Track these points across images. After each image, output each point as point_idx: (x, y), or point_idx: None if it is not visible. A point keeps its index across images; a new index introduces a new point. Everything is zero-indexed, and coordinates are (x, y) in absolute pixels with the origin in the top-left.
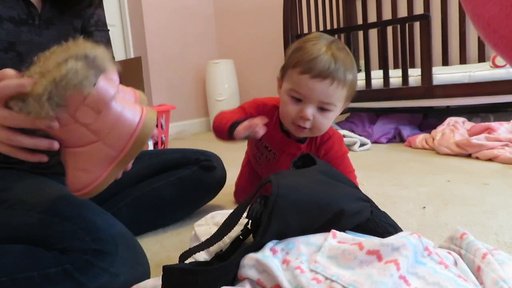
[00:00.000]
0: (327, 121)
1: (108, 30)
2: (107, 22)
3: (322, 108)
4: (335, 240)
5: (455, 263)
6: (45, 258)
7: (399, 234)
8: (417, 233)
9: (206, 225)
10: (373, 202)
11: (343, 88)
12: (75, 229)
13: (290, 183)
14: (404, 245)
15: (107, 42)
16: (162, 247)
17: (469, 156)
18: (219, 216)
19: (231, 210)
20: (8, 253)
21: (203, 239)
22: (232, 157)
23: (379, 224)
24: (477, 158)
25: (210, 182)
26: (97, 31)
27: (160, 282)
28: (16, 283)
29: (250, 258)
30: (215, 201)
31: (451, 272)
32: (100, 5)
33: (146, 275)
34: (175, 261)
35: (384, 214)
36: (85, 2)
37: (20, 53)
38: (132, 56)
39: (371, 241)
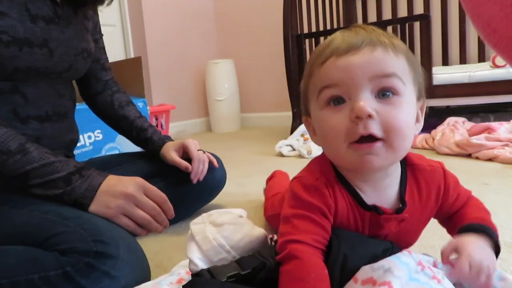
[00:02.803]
0: (402, 112)
1: (102, 35)
2: (108, 22)
3: (384, 92)
4: None
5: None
6: (45, 260)
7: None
8: (408, 250)
9: (202, 223)
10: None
11: (396, 54)
12: (77, 230)
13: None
14: (395, 265)
15: (104, 46)
16: (162, 247)
17: (469, 156)
18: (216, 214)
19: (228, 209)
20: (9, 255)
21: (197, 237)
22: (232, 157)
23: None
24: (477, 158)
25: (210, 182)
26: (100, 38)
27: (159, 285)
28: (16, 285)
29: None
30: (215, 201)
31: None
32: (96, 10)
33: (146, 279)
34: (175, 261)
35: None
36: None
37: (51, 49)
38: (132, 56)
39: (363, 271)
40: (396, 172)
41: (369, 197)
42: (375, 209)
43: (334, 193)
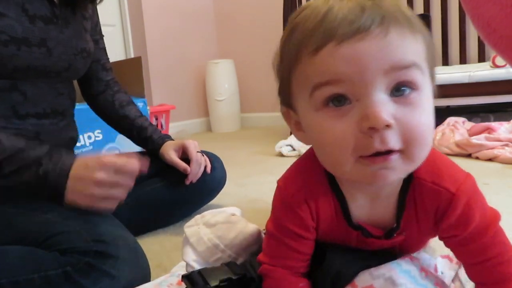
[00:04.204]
0: (424, 114)
1: (103, 36)
2: (108, 22)
3: (399, 88)
4: None
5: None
6: (45, 260)
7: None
8: (410, 256)
9: (196, 225)
10: None
11: (414, 34)
12: (77, 230)
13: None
14: (396, 273)
15: (105, 47)
16: (162, 247)
17: (469, 156)
18: (209, 215)
19: (221, 209)
20: (9, 254)
21: (192, 239)
22: (232, 157)
23: None
24: (477, 158)
25: (210, 182)
26: (101, 39)
27: (160, 286)
28: (16, 285)
29: None
30: (215, 201)
31: None
32: (95, 11)
33: (146, 279)
34: (175, 261)
35: None
36: None
37: (49, 49)
38: (132, 56)
39: (362, 278)
40: (396, 181)
41: (361, 208)
42: (360, 229)
43: (317, 205)
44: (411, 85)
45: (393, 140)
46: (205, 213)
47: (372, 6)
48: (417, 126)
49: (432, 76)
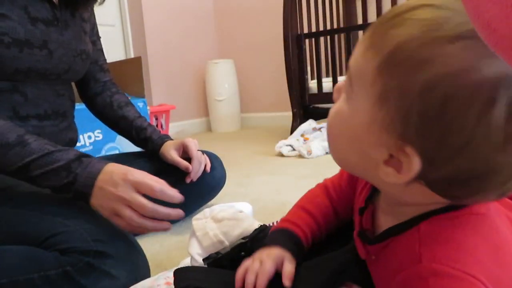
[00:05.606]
0: None
1: (100, 37)
2: (108, 21)
3: None
4: None
5: None
6: (45, 260)
7: None
8: None
9: (204, 218)
10: None
11: None
12: (77, 230)
13: None
14: None
15: (102, 49)
16: (162, 247)
17: None
18: (217, 209)
19: (231, 203)
20: (9, 254)
21: (198, 233)
22: (232, 157)
23: None
24: None
25: (209, 182)
26: (98, 40)
27: (157, 282)
28: (16, 285)
29: None
30: (215, 201)
31: None
32: (92, 13)
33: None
34: (175, 261)
35: None
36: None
37: (51, 51)
38: (132, 56)
39: None
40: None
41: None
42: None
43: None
44: None
45: None
46: (214, 206)
47: None
48: None
49: None
